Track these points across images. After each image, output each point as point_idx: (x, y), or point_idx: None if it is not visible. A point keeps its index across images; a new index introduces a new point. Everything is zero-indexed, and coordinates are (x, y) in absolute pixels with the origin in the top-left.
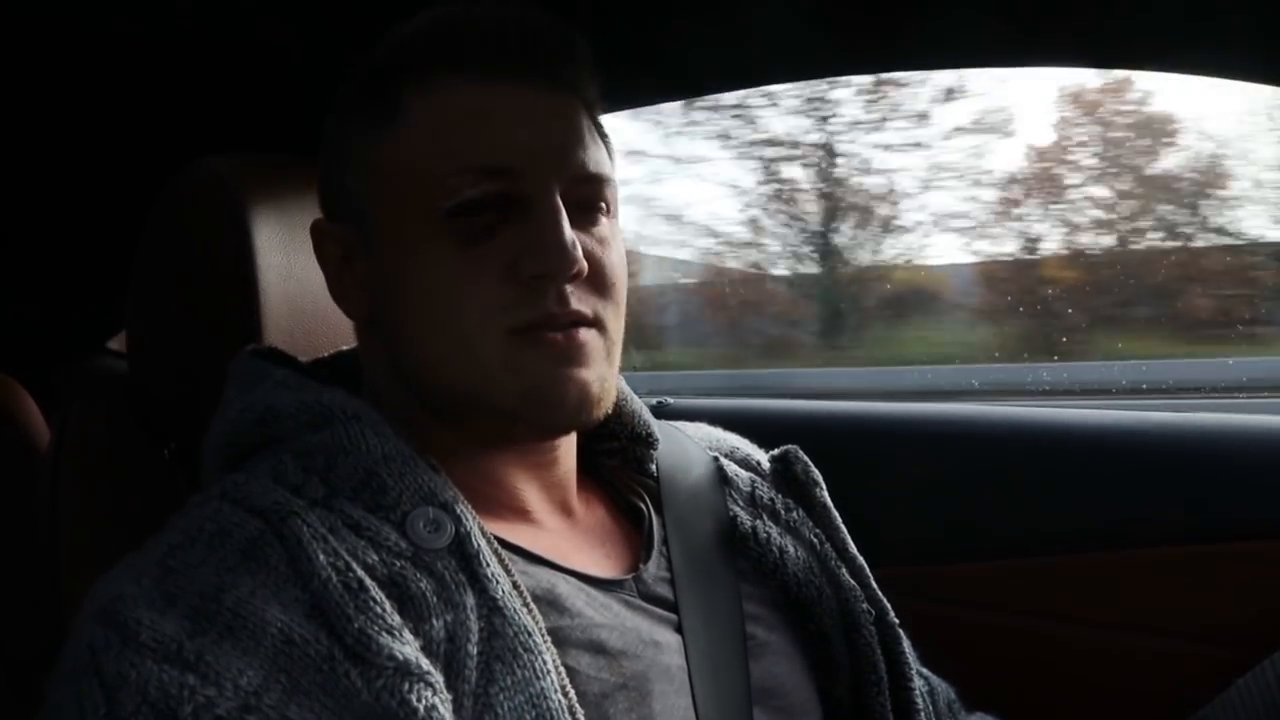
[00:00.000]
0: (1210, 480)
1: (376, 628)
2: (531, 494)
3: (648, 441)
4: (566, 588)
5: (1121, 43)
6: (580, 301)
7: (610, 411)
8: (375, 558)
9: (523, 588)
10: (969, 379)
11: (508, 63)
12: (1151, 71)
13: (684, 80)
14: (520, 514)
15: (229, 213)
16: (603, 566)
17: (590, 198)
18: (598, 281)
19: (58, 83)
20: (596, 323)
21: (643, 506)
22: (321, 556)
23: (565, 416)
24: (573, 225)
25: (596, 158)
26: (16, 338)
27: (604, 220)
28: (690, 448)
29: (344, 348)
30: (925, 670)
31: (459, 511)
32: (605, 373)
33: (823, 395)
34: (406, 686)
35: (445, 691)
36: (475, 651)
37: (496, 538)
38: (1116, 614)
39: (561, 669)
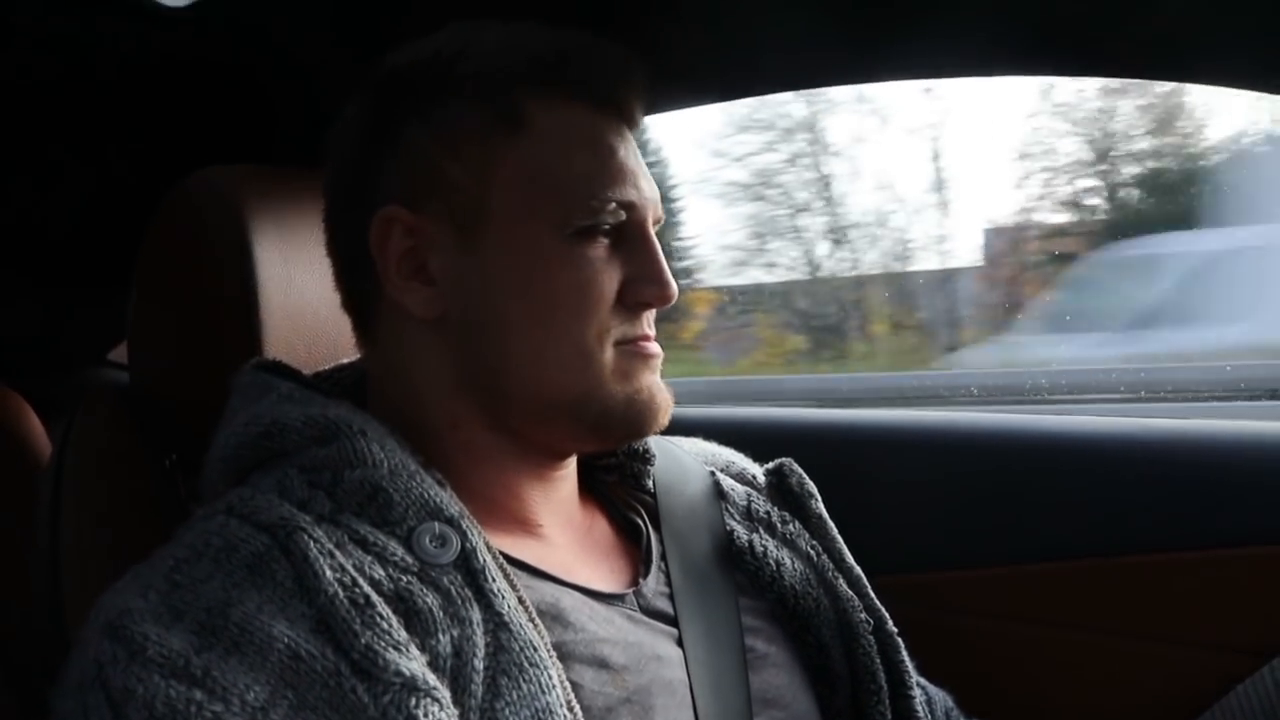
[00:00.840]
0: (1210, 486)
1: (383, 643)
2: (543, 508)
3: (644, 458)
4: (571, 602)
5: (1129, 51)
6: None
7: None
8: (382, 573)
9: (528, 602)
10: None
11: (613, 96)
12: (1158, 81)
13: (691, 88)
14: (528, 527)
15: (229, 223)
16: (605, 581)
17: (656, 224)
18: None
19: (60, 96)
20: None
21: (640, 522)
22: (328, 572)
23: (658, 420)
24: None
25: (660, 197)
26: (18, 350)
27: None
28: (687, 463)
29: (344, 360)
30: (923, 680)
31: (465, 527)
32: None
33: None
34: (413, 702)
35: (452, 707)
36: (481, 666)
37: (501, 552)
38: (1115, 620)
39: (567, 684)
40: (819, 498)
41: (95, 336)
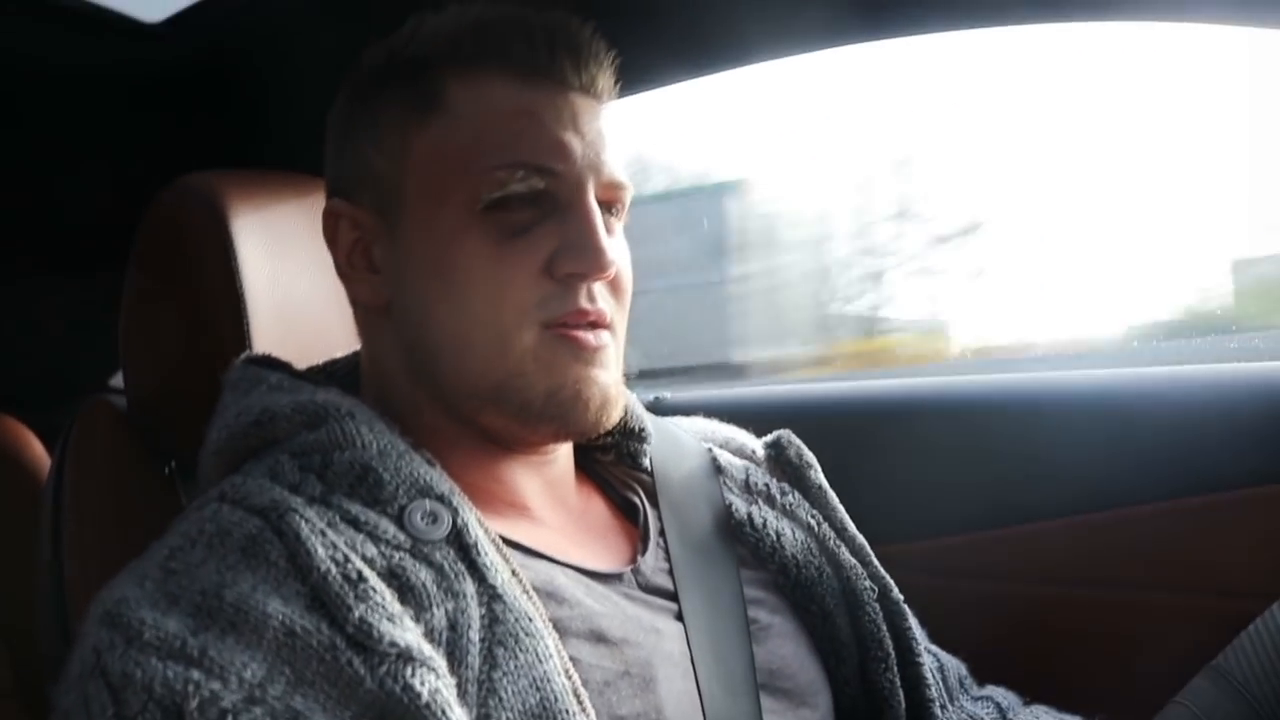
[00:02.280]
0: (1207, 430)
1: (377, 616)
2: (532, 490)
3: (640, 436)
4: (565, 580)
5: None
6: (605, 303)
7: (616, 416)
8: (374, 550)
9: (522, 577)
10: None
11: (549, 66)
12: (1170, 21)
13: (690, 59)
14: (519, 509)
15: (214, 227)
16: (601, 560)
17: (615, 202)
18: (616, 285)
19: (45, 124)
20: (611, 326)
21: (637, 501)
22: (320, 550)
23: (588, 418)
24: None
25: (619, 163)
26: (22, 380)
27: (618, 226)
28: (684, 439)
29: (337, 355)
30: (934, 647)
31: (455, 503)
32: (618, 377)
33: None
34: (409, 671)
35: (449, 675)
36: (477, 638)
37: (496, 533)
38: (1122, 572)
39: (564, 653)
40: (818, 468)
41: (98, 364)
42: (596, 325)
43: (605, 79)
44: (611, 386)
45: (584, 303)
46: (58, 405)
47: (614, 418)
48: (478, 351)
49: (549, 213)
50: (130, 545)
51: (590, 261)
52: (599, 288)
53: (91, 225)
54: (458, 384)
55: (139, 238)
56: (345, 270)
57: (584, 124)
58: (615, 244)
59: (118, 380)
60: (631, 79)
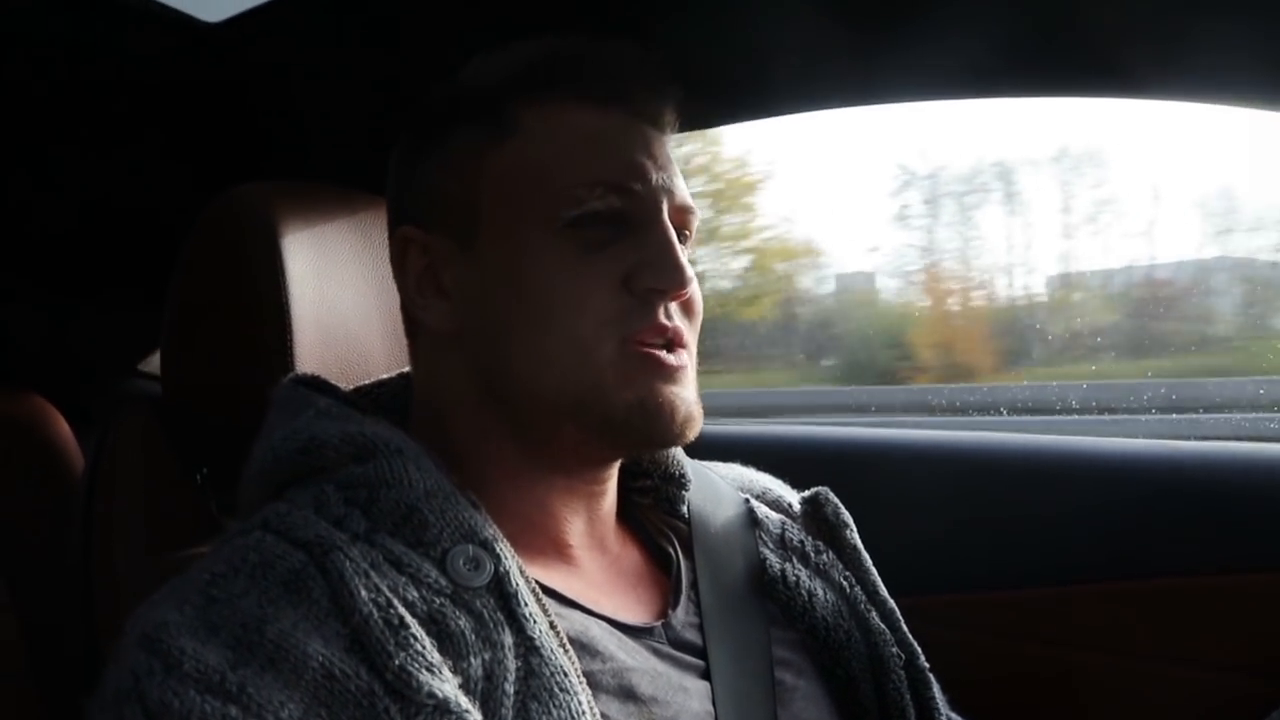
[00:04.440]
0: (1231, 508)
1: (417, 665)
2: (576, 527)
3: (680, 482)
4: (599, 631)
5: (1117, 71)
6: (684, 324)
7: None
8: (415, 594)
9: (559, 629)
10: None
11: (621, 94)
12: (1170, 100)
13: (710, 107)
14: (560, 548)
15: (263, 240)
16: (633, 611)
17: (684, 226)
18: (689, 307)
19: (96, 110)
20: (688, 348)
21: (671, 551)
22: (363, 592)
23: (672, 430)
24: None
25: (687, 189)
26: (50, 360)
27: (687, 250)
28: (721, 489)
29: (384, 376)
30: (954, 715)
31: (498, 550)
32: (696, 395)
33: None
34: None
35: None
36: (512, 691)
37: (535, 582)
38: (1149, 643)
39: (597, 711)
40: (854, 528)
41: (126, 348)
42: (674, 344)
43: (671, 112)
44: (694, 405)
45: (662, 319)
46: (85, 386)
47: (695, 432)
48: (558, 366)
49: (626, 231)
50: (160, 547)
51: (669, 277)
52: (674, 307)
53: (132, 218)
54: (536, 402)
55: (189, 245)
56: (414, 297)
57: (655, 149)
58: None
59: (146, 365)
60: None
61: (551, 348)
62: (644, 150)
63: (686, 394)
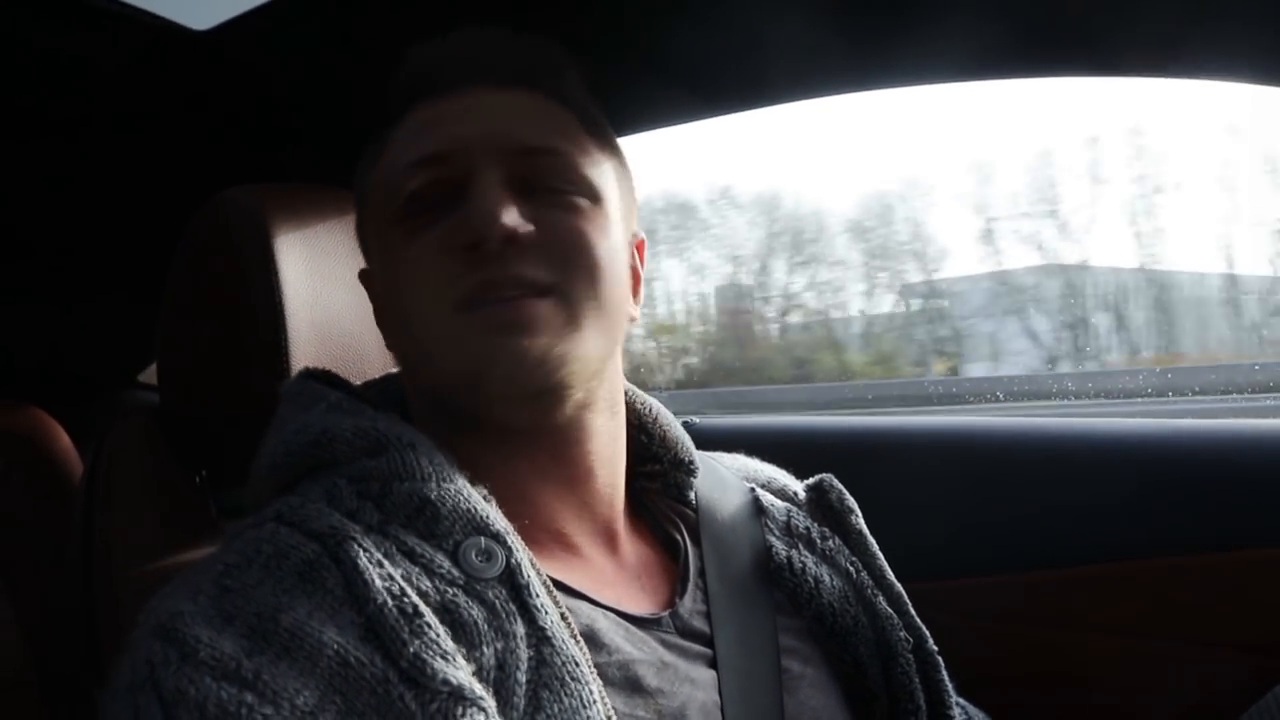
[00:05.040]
0: (1247, 484)
1: (431, 652)
2: (576, 525)
3: (688, 469)
4: (605, 624)
5: (1123, 49)
6: (531, 268)
7: (575, 379)
8: (429, 584)
9: (570, 619)
10: None
11: (469, 75)
12: (1153, 78)
13: (706, 97)
14: (563, 543)
15: (255, 241)
16: (639, 601)
17: (542, 172)
18: (555, 250)
19: (87, 120)
20: (554, 290)
21: (679, 538)
22: (377, 581)
23: (510, 385)
24: (525, 199)
25: (544, 132)
26: (51, 374)
27: (573, 199)
28: (727, 478)
29: (389, 372)
30: (963, 701)
31: (510, 542)
32: (563, 340)
33: None
34: (460, 711)
35: (498, 717)
36: (524, 680)
37: (546, 575)
38: (1152, 624)
39: (607, 700)
40: (859, 513)
41: (125, 359)
42: (525, 293)
43: (526, 68)
44: (535, 350)
45: (493, 272)
46: (85, 398)
47: (549, 380)
48: (427, 353)
49: (454, 202)
50: (160, 551)
51: (479, 226)
52: (523, 256)
53: (128, 228)
54: (435, 393)
55: (181, 247)
56: (380, 325)
57: (486, 108)
58: (554, 210)
59: (144, 376)
60: (640, 116)
61: (419, 338)
62: (469, 114)
63: (530, 341)
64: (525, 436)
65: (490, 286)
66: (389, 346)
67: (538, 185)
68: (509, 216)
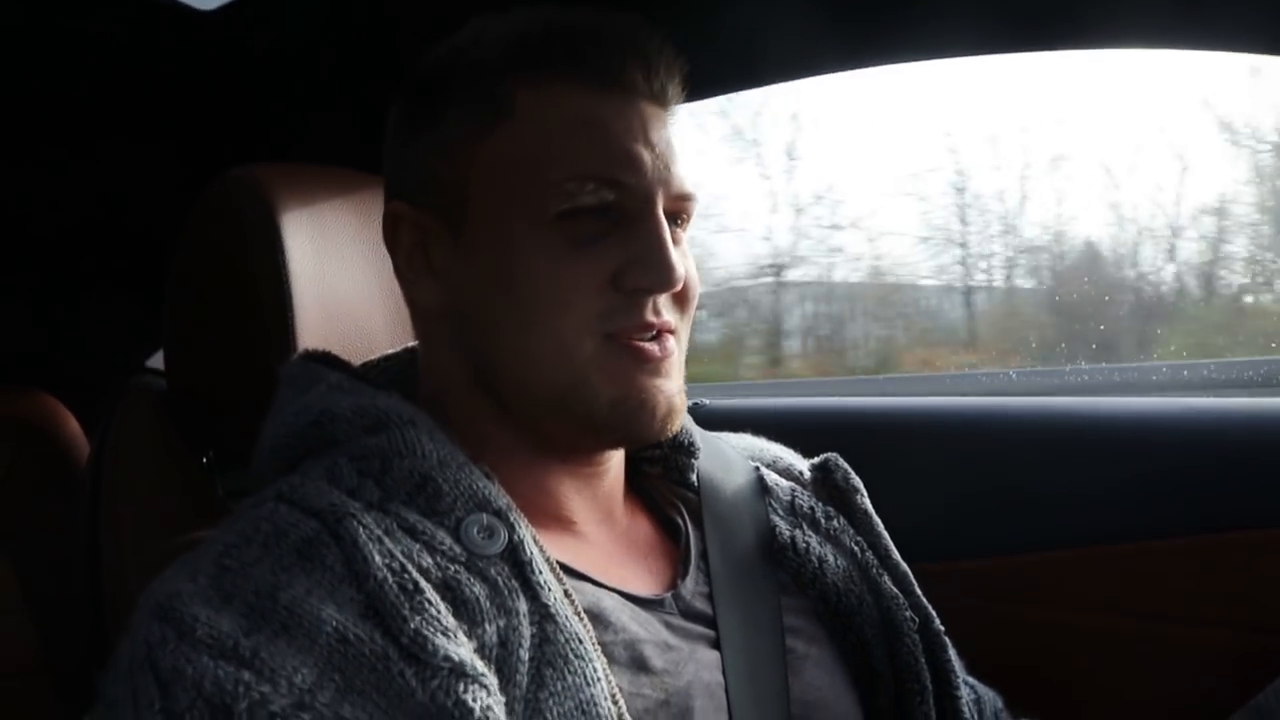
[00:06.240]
0: (1252, 464)
1: (432, 629)
2: (578, 504)
3: (689, 451)
4: (611, 603)
5: (1117, 23)
6: (670, 313)
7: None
8: (430, 561)
9: (573, 597)
10: None
11: (620, 74)
12: (1160, 49)
13: (744, 69)
14: (565, 524)
15: (261, 221)
16: (644, 582)
17: (681, 213)
18: (680, 296)
19: (95, 102)
20: (676, 334)
21: (680, 520)
22: (377, 558)
23: (653, 427)
24: None
25: (689, 174)
26: (60, 359)
27: (684, 235)
28: (731, 457)
29: (389, 351)
30: (972, 679)
31: (512, 519)
32: (681, 385)
33: None
34: (461, 687)
35: (499, 694)
36: (527, 657)
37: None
38: (1159, 605)
39: (611, 677)
40: (865, 493)
41: (134, 344)
42: (661, 333)
43: (674, 87)
44: (676, 395)
45: (649, 316)
46: (94, 384)
47: (677, 425)
48: (541, 363)
49: (617, 225)
50: (166, 533)
51: (658, 277)
52: (664, 299)
53: (134, 211)
54: (520, 391)
55: (187, 228)
56: (404, 273)
57: (654, 134)
58: (681, 254)
59: (153, 361)
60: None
61: (535, 344)
62: (641, 137)
63: (669, 385)
64: (588, 452)
65: (646, 329)
66: (433, 312)
67: (673, 224)
68: (680, 269)
